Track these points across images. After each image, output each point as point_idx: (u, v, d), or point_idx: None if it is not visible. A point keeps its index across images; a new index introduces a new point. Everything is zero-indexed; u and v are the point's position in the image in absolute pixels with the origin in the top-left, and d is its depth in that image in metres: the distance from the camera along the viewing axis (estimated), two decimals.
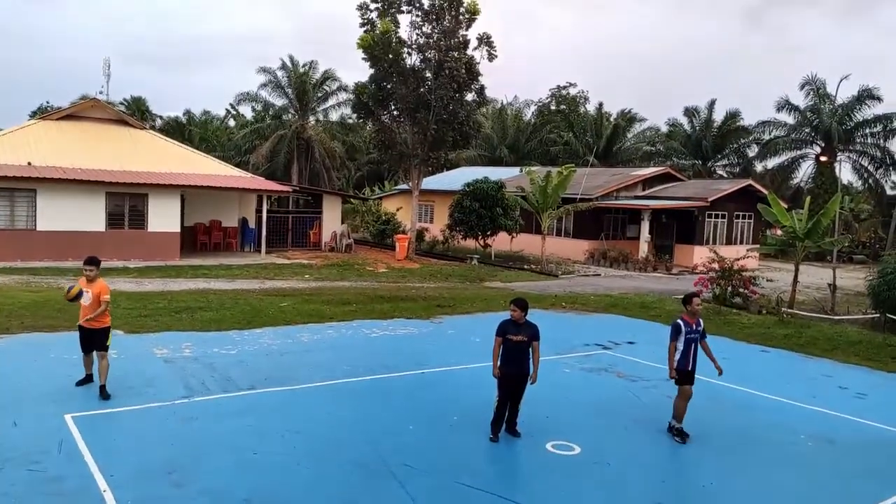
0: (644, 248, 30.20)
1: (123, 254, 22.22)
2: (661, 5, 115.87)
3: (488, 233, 28.37)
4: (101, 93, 29.44)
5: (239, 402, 8.90)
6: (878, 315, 16.85)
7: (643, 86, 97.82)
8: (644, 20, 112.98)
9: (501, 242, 29.57)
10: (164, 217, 23.19)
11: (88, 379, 9.02)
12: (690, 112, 48.15)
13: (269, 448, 7.35)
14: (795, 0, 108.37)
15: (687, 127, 48.81)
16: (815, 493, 7.15)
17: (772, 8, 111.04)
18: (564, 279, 24.78)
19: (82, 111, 27.60)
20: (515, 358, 7.91)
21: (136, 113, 47.16)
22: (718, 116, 47.03)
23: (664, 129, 51.63)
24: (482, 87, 28.43)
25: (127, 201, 22.68)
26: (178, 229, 23.68)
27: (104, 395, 8.59)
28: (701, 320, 8.52)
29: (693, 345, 8.28)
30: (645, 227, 30.38)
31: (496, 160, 49.64)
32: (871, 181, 41.15)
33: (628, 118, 51.52)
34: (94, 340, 8.82)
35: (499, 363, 7.94)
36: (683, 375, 8.29)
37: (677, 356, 8.25)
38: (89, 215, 21.95)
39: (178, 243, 23.59)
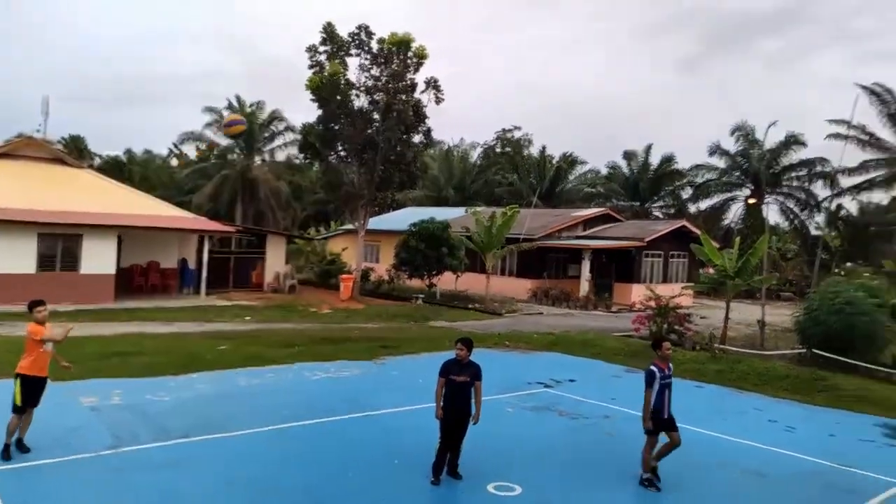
0: (585, 286, 30.85)
1: (54, 297, 21.17)
2: (603, 54, 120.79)
3: (434, 272, 28.49)
4: (38, 131, 28.53)
5: (171, 451, 8.59)
6: (804, 350, 17.59)
7: (585, 130, 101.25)
8: (587, 68, 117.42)
9: (447, 282, 29.73)
10: (98, 258, 22.46)
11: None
12: (629, 155, 50.01)
13: (202, 499, 7.13)
14: (728, 50, 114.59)
15: (625, 170, 50.59)
16: None
17: (706, 58, 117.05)
18: (508, 318, 25.03)
19: (17, 150, 26.68)
20: (458, 399, 7.93)
21: (75, 152, 45.88)
22: (655, 160, 49.01)
23: (604, 171, 53.41)
24: (429, 130, 28.88)
25: (60, 242, 21.89)
26: (113, 271, 22.94)
27: (23, 448, 8.03)
28: (671, 364, 8.43)
29: (667, 391, 8.12)
30: (586, 266, 31.10)
31: (442, 200, 50.19)
32: (796, 222, 43.27)
33: (570, 161, 53.05)
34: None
35: (441, 404, 7.96)
36: (657, 424, 8.08)
37: (653, 400, 8.06)
38: (19, 257, 21.08)
39: (113, 286, 22.83)
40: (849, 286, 18.03)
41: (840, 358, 16.42)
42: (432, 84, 27.68)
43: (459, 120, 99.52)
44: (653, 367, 8.17)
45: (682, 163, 48.41)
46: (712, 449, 9.93)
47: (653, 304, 20.53)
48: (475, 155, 60.34)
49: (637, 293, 27.42)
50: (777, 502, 8.08)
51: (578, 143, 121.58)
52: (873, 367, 16.35)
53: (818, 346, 16.94)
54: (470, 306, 27.40)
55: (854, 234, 42.40)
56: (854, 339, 16.51)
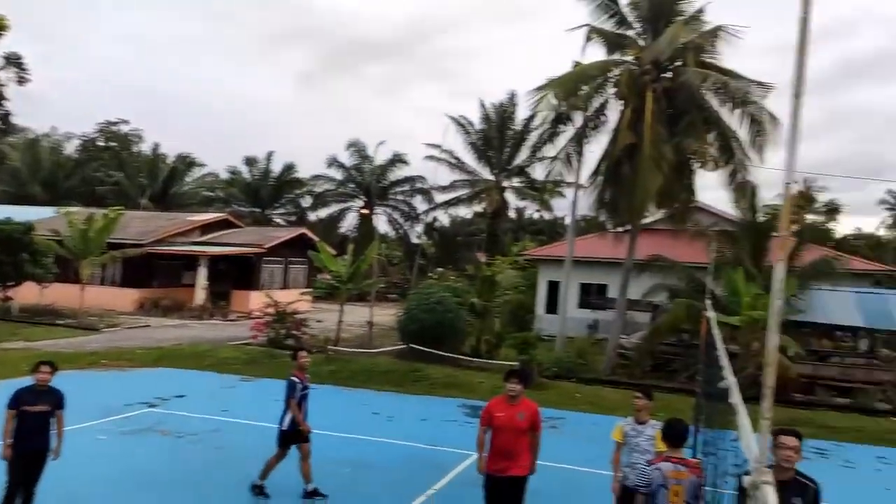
0: (201, 295, 29.31)
1: None
2: (227, 56, 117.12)
3: (10, 283, 23.80)
4: None
5: None
6: (404, 346, 19.46)
7: (205, 132, 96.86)
8: (207, 69, 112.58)
9: (29, 294, 25.13)
10: None
11: None
12: (250, 161, 49.42)
13: None
14: (343, 70, 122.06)
15: (247, 175, 49.85)
16: None
17: (323, 74, 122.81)
18: (108, 332, 22.26)
19: None
20: (34, 432, 6.60)
21: None
22: (277, 167, 49.34)
23: (224, 175, 51.78)
24: (7, 114, 24.09)
25: None
26: None
27: None
28: (307, 375, 8.37)
29: (304, 402, 8.11)
30: (202, 273, 29.57)
31: (26, 198, 42.47)
32: (401, 231, 48.25)
33: (188, 162, 50.11)
34: None
35: (10, 441, 6.49)
36: (288, 436, 7.99)
37: (287, 417, 7.97)
38: None
39: None
40: (439, 288, 20.59)
41: (433, 350, 18.60)
42: (13, 61, 23.21)
43: (60, 109, 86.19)
44: (293, 378, 8.10)
45: (303, 172, 49.75)
46: (321, 446, 10.11)
47: (272, 310, 20.46)
48: (71, 148, 52.79)
49: (256, 300, 27.10)
50: (379, 486, 8.58)
51: (198, 146, 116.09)
52: (458, 356, 18.92)
53: (415, 341, 18.90)
54: (59, 322, 23.57)
55: (445, 242, 49.07)
56: (443, 334, 18.88)
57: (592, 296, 25.74)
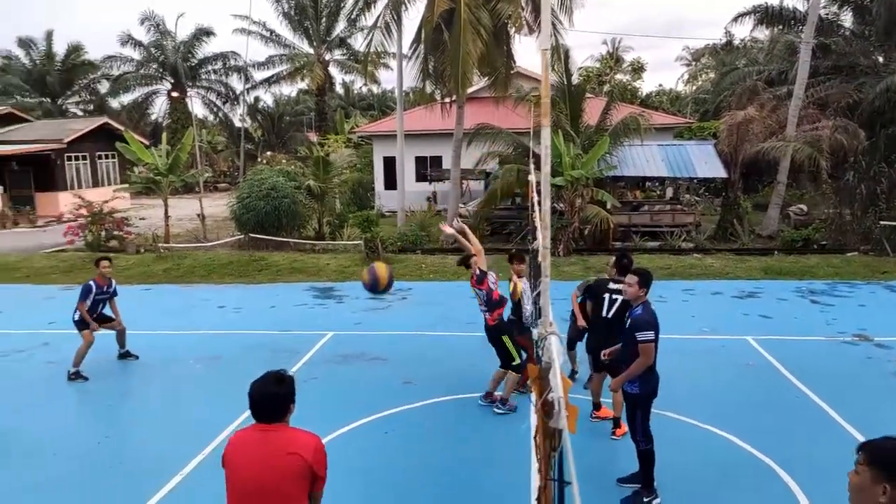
0: None
1: None
2: None
3: None
4: None
5: None
6: (242, 236, 18.85)
7: None
8: None
9: None
10: None
11: None
12: (26, 43, 42.56)
13: None
14: None
15: (25, 60, 43.07)
16: (220, 403, 7.56)
17: None
18: None
19: None
20: None
21: None
22: (60, 49, 43.05)
23: None
24: None
25: None
26: None
27: None
28: (114, 281, 9.09)
29: (101, 304, 8.91)
30: None
31: None
32: (221, 115, 44.95)
33: None
34: None
35: None
36: (83, 323, 8.63)
37: (76, 313, 8.66)
38: None
39: None
40: (271, 172, 19.83)
41: (273, 238, 18.22)
42: None
43: None
44: (91, 283, 8.77)
45: (94, 53, 43.98)
46: (164, 346, 9.85)
47: (84, 211, 18.71)
48: None
49: (65, 202, 24.56)
50: (232, 377, 8.56)
51: None
52: (300, 241, 18.72)
53: (253, 230, 18.35)
54: None
55: (272, 124, 46.66)
56: (281, 220, 18.47)
57: (428, 168, 26.18)
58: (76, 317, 8.68)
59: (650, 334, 5.22)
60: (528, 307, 7.65)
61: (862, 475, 2.09)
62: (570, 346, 7.87)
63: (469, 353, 8.97)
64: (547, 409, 2.35)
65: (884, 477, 2.01)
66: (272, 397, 3.19)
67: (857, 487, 2.09)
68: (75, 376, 8.48)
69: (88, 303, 8.64)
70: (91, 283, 8.76)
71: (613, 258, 7.07)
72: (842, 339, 9.83)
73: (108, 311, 9.08)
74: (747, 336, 9.94)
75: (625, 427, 6.10)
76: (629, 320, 5.43)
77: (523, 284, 7.70)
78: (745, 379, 8.24)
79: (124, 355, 9.25)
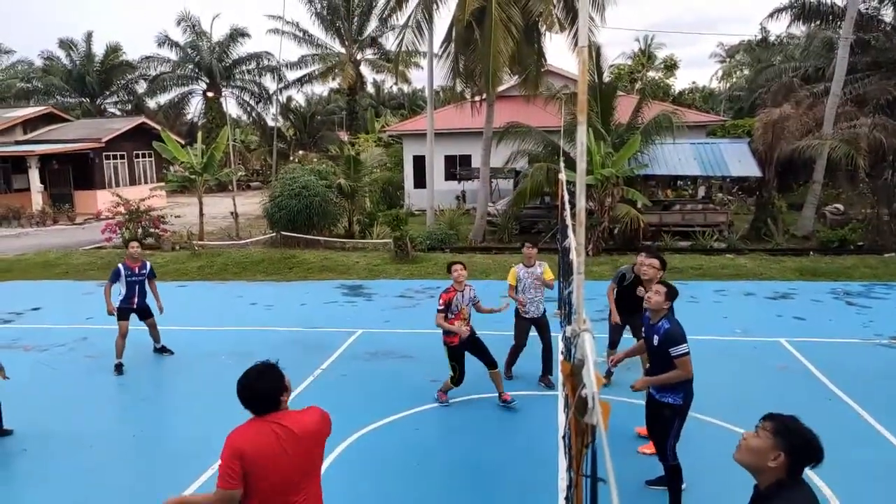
0: (38, 199, 26.75)
1: None
2: None
3: None
4: None
5: None
6: (274, 234, 19.12)
7: (5, 13, 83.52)
8: None
9: None
10: None
11: None
12: (67, 45, 43.65)
13: None
14: None
15: (66, 61, 44.19)
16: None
17: None
18: None
19: None
20: None
21: None
22: (99, 50, 44.07)
23: (39, 63, 45.63)
24: None
25: None
26: None
27: None
28: (148, 263, 9.27)
29: (137, 286, 8.93)
30: (35, 175, 26.81)
31: None
32: (254, 114, 45.59)
33: None
34: None
35: None
36: (122, 312, 8.77)
37: (121, 295, 8.80)
38: None
39: None
40: (303, 171, 20.07)
41: (304, 236, 18.45)
42: None
43: None
44: (119, 265, 8.94)
45: (132, 54, 44.96)
46: (198, 342, 10.05)
47: (122, 209, 19.17)
48: None
49: (103, 200, 25.21)
50: None
51: None
52: (331, 239, 18.91)
53: (285, 228, 18.61)
54: None
55: (304, 123, 47.14)
56: (312, 218, 18.68)
57: (458, 167, 26.22)
58: (116, 304, 8.78)
59: (684, 347, 4.99)
60: (523, 295, 7.97)
61: (763, 439, 2.45)
62: (612, 346, 7.79)
63: (496, 351, 8.97)
64: (580, 406, 2.38)
65: (781, 446, 2.41)
66: (259, 392, 3.23)
67: (754, 447, 2.45)
68: (117, 368, 8.68)
69: (120, 287, 8.78)
70: (119, 266, 8.90)
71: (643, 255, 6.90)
72: (878, 341, 9.62)
73: (150, 300, 9.13)
74: (780, 338, 9.78)
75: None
76: (656, 337, 5.12)
77: (518, 271, 8.03)
78: (778, 381, 8.12)
79: (161, 350, 9.41)
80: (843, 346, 9.47)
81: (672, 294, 5.20)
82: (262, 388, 3.22)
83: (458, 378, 7.31)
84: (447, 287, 7.27)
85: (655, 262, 6.39)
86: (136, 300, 8.92)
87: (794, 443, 2.43)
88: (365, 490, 5.69)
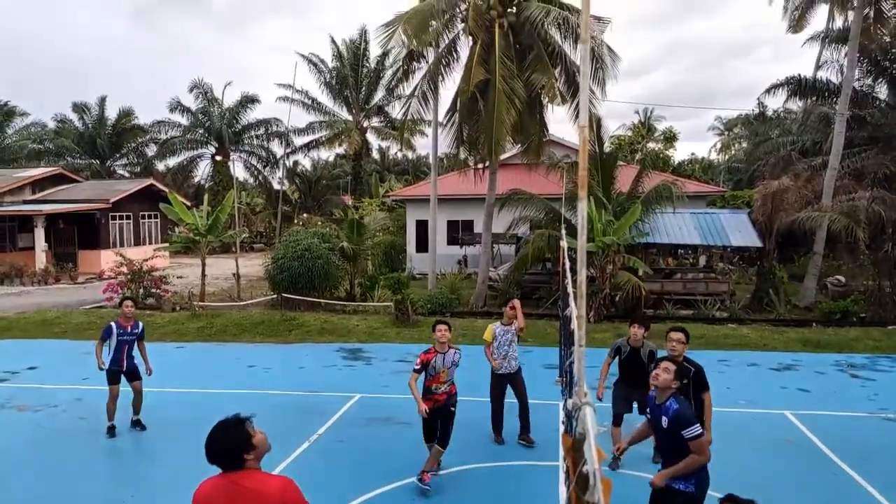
0: (42, 258, 26.89)
1: None
2: None
3: None
4: None
5: None
6: (275, 295, 19.10)
7: (22, 77, 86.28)
8: (21, 7, 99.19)
9: None
10: None
11: None
12: (80, 108, 44.78)
13: None
14: (184, 6, 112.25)
15: (78, 124, 45.26)
16: None
17: (162, 11, 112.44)
18: None
19: None
20: None
21: None
22: (112, 114, 45.18)
23: (52, 125, 46.70)
24: None
25: None
26: None
27: None
28: (141, 323, 8.90)
29: (127, 346, 8.68)
30: (40, 234, 27.05)
31: None
32: (260, 178, 46.31)
33: (6, 111, 44.62)
34: None
35: None
36: (112, 375, 8.58)
37: (110, 355, 8.58)
38: None
39: None
40: (307, 234, 20.21)
41: (305, 298, 18.42)
42: None
43: None
44: (112, 323, 8.68)
45: (144, 118, 46.05)
46: (194, 404, 9.91)
47: (124, 269, 19.24)
48: None
49: (107, 259, 25.34)
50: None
51: (14, 92, 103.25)
52: (332, 301, 18.88)
53: (286, 289, 18.60)
54: None
55: (309, 187, 47.82)
56: (314, 280, 18.69)
57: (460, 232, 26.42)
58: (107, 364, 8.60)
59: (697, 428, 4.67)
60: (498, 352, 8.21)
61: None
62: (616, 422, 7.46)
63: (481, 415, 8.82)
64: (581, 482, 2.32)
65: None
66: (219, 447, 3.14)
67: None
68: (109, 431, 8.53)
69: (109, 346, 8.60)
70: (112, 324, 8.66)
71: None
72: (883, 415, 9.45)
73: (138, 360, 8.86)
74: (785, 410, 9.62)
75: None
76: (664, 418, 4.81)
77: (496, 329, 8.27)
78: (783, 455, 7.94)
79: (135, 423, 8.89)
80: (849, 419, 9.31)
81: (681, 372, 4.99)
82: (224, 443, 3.14)
83: (424, 434, 7.10)
84: (428, 348, 7.08)
85: (682, 336, 6.12)
86: (124, 362, 8.70)
87: None
88: None
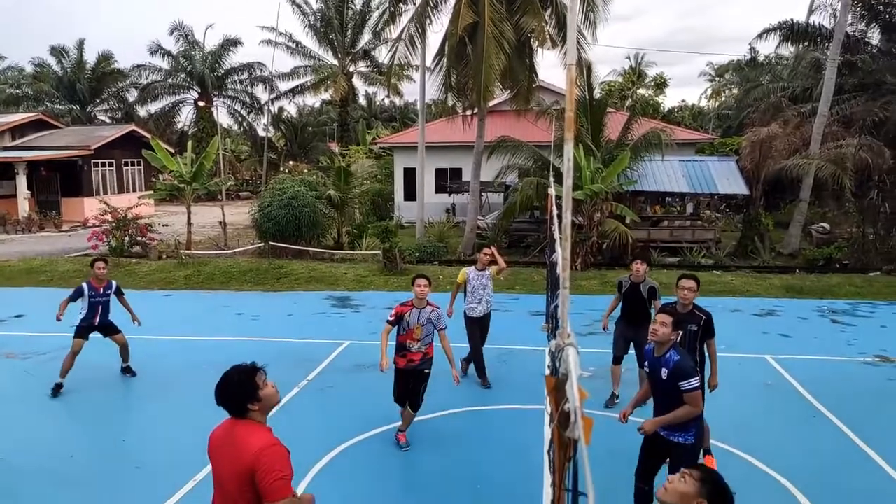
0: (25, 206, 26.54)
1: None
2: None
3: None
4: None
5: None
6: (263, 244, 19.03)
7: None
8: None
9: None
10: None
11: None
12: (58, 52, 43.51)
13: None
14: None
15: (57, 68, 44.02)
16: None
17: None
18: None
19: None
20: None
21: None
22: (91, 58, 43.94)
23: (30, 69, 45.44)
24: None
25: None
26: None
27: None
28: (114, 282, 8.89)
29: (100, 307, 8.64)
30: (22, 182, 26.62)
31: None
32: (245, 124, 45.54)
33: None
34: None
35: None
36: (80, 329, 8.53)
37: (82, 314, 8.54)
38: None
39: None
40: (293, 182, 20.01)
41: (293, 246, 18.37)
42: None
43: None
44: (83, 284, 8.66)
45: (123, 62, 44.82)
46: (182, 352, 9.97)
47: (109, 217, 19.03)
48: None
49: (91, 207, 25.07)
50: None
51: None
52: (319, 250, 18.84)
53: (273, 238, 18.51)
54: None
55: (295, 134, 47.13)
56: (301, 229, 18.61)
57: (448, 180, 26.27)
58: (77, 322, 8.52)
59: (695, 381, 4.65)
60: (470, 297, 8.43)
61: (689, 485, 2.77)
62: (616, 361, 7.77)
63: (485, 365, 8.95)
64: (562, 420, 2.36)
65: (704, 494, 2.72)
66: (223, 392, 3.16)
67: (681, 491, 2.77)
68: (56, 389, 8.23)
69: (81, 306, 8.50)
70: (83, 285, 8.59)
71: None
72: (862, 359, 9.68)
73: (113, 316, 8.81)
74: (766, 355, 9.82)
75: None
76: (664, 370, 4.76)
77: (469, 273, 8.50)
78: (763, 398, 8.15)
79: (125, 370, 8.97)
80: (828, 363, 9.52)
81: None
82: (230, 388, 3.16)
83: (395, 395, 6.80)
84: (407, 300, 6.73)
85: (693, 284, 6.03)
86: (97, 319, 8.62)
87: (715, 491, 2.74)
88: (347, 503, 5.63)
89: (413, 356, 6.60)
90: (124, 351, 8.93)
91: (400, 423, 6.82)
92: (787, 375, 8.88)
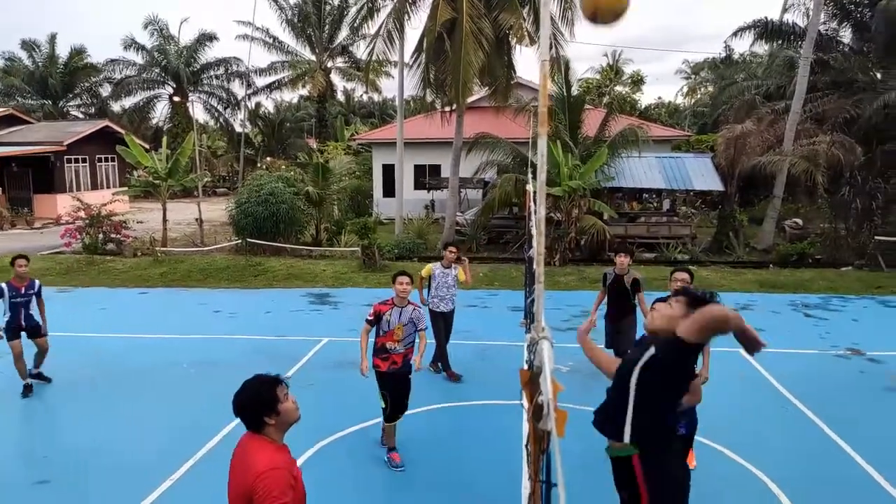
0: None
1: None
2: None
3: None
4: None
5: None
6: (240, 241, 18.87)
7: None
8: None
9: None
10: None
11: None
12: (29, 46, 42.67)
13: None
14: None
15: (28, 62, 43.17)
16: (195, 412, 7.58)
17: None
18: None
19: None
20: None
21: None
22: (63, 52, 43.16)
23: (0, 63, 44.51)
24: None
25: None
26: None
27: None
28: (37, 281, 8.49)
29: (22, 308, 8.24)
30: None
31: None
32: (221, 120, 45.02)
33: None
34: None
35: None
36: (9, 331, 8.17)
37: (6, 316, 8.15)
38: None
39: None
40: (271, 178, 19.85)
41: (271, 243, 18.24)
42: None
43: None
44: (2, 285, 8.23)
45: (97, 57, 44.04)
46: (159, 350, 9.86)
47: (82, 214, 18.74)
48: None
49: (63, 204, 24.63)
50: (225, 382, 8.56)
51: None
52: (297, 247, 18.73)
53: (251, 235, 18.37)
54: None
55: (272, 130, 46.71)
56: (279, 225, 18.47)
57: (427, 176, 26.24)
58: (3, 325, 8.13)
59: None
60: (434, 292, 8.59)
61: (676, 308, 3.24)
62: (609, 346, 7.90)
63: (463, 361, 8.99)
64: (536, 413, 2.39)
65: (691, 309, 3.16)
66: (237, 403, 3.01)
67: (669, 314, 3.20)
68: (26, 390, 8.11)
69: (4, 307, 8.12)
70: (3, 285, 8.15)
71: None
72: (834, 352, 9.86)
73: (37, 317, 8.42)
74: (739, 348, 9.92)
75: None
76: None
77: (434, 269, 8.65)
78: (737, 391, 8.26)
79: (36, 375, 8.50)
80: (802, 356, 9.69)
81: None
82: (248, 398, 3.00)
83: (388, 411, 6.21)
84: (387, 298, 6.37)
85: (686, 276, 5.97)
86: (22, 321, 8.23)
87: (697, 301, 3.19)
88: (323, 501, 5.62)
89: (396, 357, 6.22)
90: (40, 356, 8.49)
91: (382, 437, 6.48)
92: (760, 369, 9.01)
